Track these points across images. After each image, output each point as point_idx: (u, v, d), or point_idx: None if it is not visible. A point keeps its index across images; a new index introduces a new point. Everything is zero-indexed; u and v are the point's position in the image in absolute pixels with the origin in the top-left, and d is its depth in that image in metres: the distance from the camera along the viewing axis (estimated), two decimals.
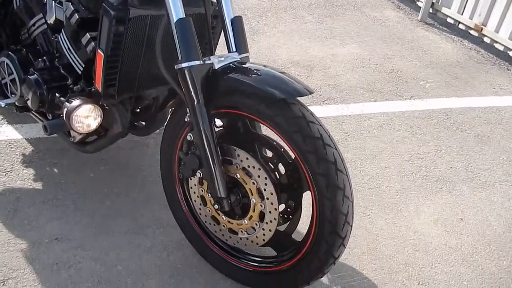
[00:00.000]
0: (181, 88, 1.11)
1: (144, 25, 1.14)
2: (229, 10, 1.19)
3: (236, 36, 1.19)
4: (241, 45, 1.19)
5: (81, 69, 1.29)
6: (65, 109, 1.21)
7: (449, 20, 3.77)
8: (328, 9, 3.92)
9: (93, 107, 1.21)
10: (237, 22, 1.19)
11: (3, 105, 1.47)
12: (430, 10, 3.89)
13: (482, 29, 3.40)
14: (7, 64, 1.45)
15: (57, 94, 1.34)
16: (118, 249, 1.42)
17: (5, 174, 1.66)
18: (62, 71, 1.37)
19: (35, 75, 1.35)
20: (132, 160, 1.82)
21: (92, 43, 1.22)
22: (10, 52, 1.45)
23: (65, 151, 1.82)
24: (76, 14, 1.22)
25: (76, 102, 1.20)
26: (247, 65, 1.12)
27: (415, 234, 1.63)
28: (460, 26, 3.67)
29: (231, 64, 1.11)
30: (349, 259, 1.48)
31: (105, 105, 1.26)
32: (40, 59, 1.41)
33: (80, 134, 1.36)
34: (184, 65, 1.06)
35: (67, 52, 1.30)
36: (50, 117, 1.48)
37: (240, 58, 1.18)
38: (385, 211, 1.72)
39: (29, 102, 1.39)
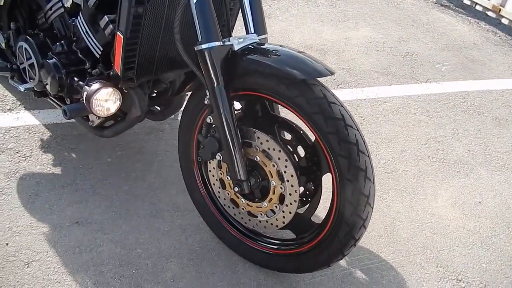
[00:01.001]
0: (200, 70, 1.10)
1: (162, 6, 1.13)
2: None
3: (254, 18, 1.17)
4: (259, 27, 1.18)
5: (99, 52, 1.29)
6: (85, 93, 1.21)
7: (465, 1, 3.68)
8: None
9: (113, 90, 1.21)
10: (255, 3, 1.17)
11: (22, 90, 1.48)
12: None
13: (500, 10, 3.32)
14: (25, 48, 1.45)
15: (75, 78, 1.34)
16: (137, 233, 1.44)
17: (25, 159, 1.68)
18: (80, 55, 1.36)
19: (54, 59, 1.35)
20: (148, 145, 1.83)
21: (111, 26, 1.21)
22: (28, 37, 1.46)
23: (82, 137, 1.83)
24: None
25: (95, 85, 1.20)
26: (266, 46, 1.10)
27: (432, 217, 1.62)
28: (477, 7, 3.59)
29: (250, 45, 1.10)
30: (367, 242, 1.48)
31: (123, 88, 1.26)
32: (58, 43, 1.40)
33: (99, 118, 1.37)
34: (204, 46, 1.05)
35: (85, 36, 1.29)
36: (68, 102, 1.48)
37: (259, 39, 1.16)
38: (402, 194, 1.71)
39: (47, 87, 1.40)
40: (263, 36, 1.18)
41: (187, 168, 1.38)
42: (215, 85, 1.07)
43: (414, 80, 2.54)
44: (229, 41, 1.09)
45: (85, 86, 1.23)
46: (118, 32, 1.13)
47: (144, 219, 1.49)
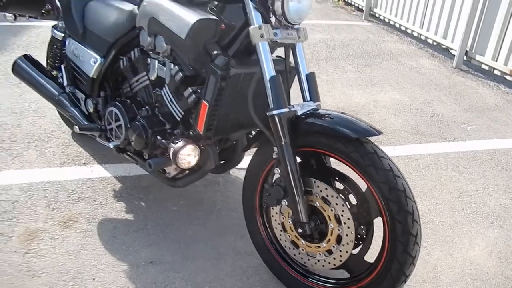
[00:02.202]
0: (269, 130, 1.35)
1: (238, 80, 1.41)
2: (304, 67, 1.45)
3: (310, 88, 1.44)
4: (314, 95, 1.44)
5: (180, 116, 1.57)
6: (171, 149, 1.47)
7: (483, 66, 3.96)
8: (365, 59, 4.22)
9: (194, 147, 1.47)
10: (311, 76, 1.44)
11: (111, 146, 1.77)
12: (464, 58, 4.11)
13: None
14: (115, 113, 1.76)
15: (158, 137, 1.62)
16: (204, 272, 1.62)
17: (101, 207, 1.93)
18: (162, 118, 1.65)
19: (140, 121, 1.64)
20: (206, 196, 2.06)
21: (193, 96, 1.49)
22: (117, 103, 1.77)
23: (148, 188, 2.08)
24: (180, 73, 1.51)
25: (181, 143, 1.46)
26: (322, 111, 1.35)
27: (471, 264, 1.74)
28: (495, 72, 3.85)
29: (310, 111, 1.35)
30: (411, 285, 1.61)
31: (201, 145, 1.51)
32: (143, 108, 1.70)
33: (176, 170, 1.62)
34: (274, 112, 1.30)
35: (169, 103, 1.58)
36: (146, 157, 1.75)
37: (315, 106, 1.42)
38: (441, 243, 1.84)
39: (133, 144, 1.67)
40: (317, 103, 1.44)
41: (249, 213, 1.58)
42: (283, 143, 1.31)
43: (442, 139, 2.74)
44: (293, 107, 1.34)
45: (171, 144, 1.49)
46: (203, 101, 1.41)
47: (208, 261, 1.67)
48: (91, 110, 1.96)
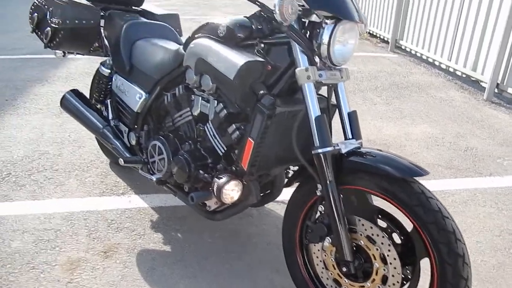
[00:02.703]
0: (313, 167, 1.37)
1: (283, 118, 1.45)
2: (346, 105, 1.48)
3: (352, 126, 1.46)
4: (356, 133, 1.46)
5: (223, 151, 1.61)
6: (215, 184, 1.50)
7: None
8: (394, 91, 4.23)
9: (237, 182, 1.50)
10: (353, 115, 1.47)
11: (154, 179, 1.82)
12: (495, 90, 4.07)
13: None
14: (158, 146, 1.82)
15: (201, 171, 1.66)
16: None
17: (140, 237, 1.97)
18: (204, 152, 1.69)
19: (183, 155, 1.69)
20: (241, 228, 2.07)
21: (237, 132, 1.54)
22: (160, 137, 1.83)
23: (184, 219, 2.12)
24: (224, 110, 1.56)
25: (225, 178, 1.49)
26: (367, 149, 1.37)
27: None
28: None
29: (355, 149, 1.37)
30: None
31: (244, 180, 1.54)
32: (186, 143, 1.76)
33: (217, 204, 1.65)
34: (320, 150, 1.33)
35: (212, 138, 1.63)
36: (186, 189, 1.79)
37: (358, 144, 1.44)
38: (485, 284, 1.78)
39: (175, 177, 1.72)
40: (360, 141, 1.46)
41: (289, 248, 1.58)
42: (328, 181, 1.33)
43: (478, 173, 2.69)
44: (338, 145, 1.37)
45: (215, 178, 1.53)
46: (249, 138, 1.45)
47: None
48: (133, 142, 2.03)
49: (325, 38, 1.31)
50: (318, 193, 1.39)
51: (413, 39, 5.54)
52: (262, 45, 1.46)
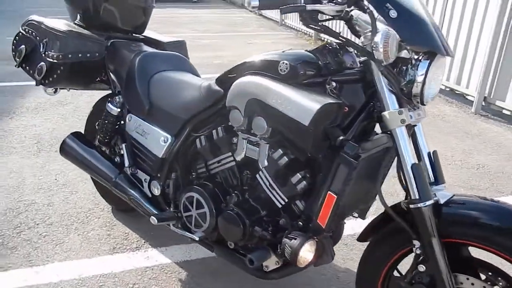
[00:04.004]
0: (406, 222, 1.20)
1: (364, 165, 1.27)
2: (425, 146, 1.32)
3: (434, 168, 1.30)
4: (440, 176, 1.30)
5: (282, 203, 1.39)
6: (289, 246, 1.28)
7: (505, 111, 4.00)
8: None
9: (313, 241, 1.29)
10: (435, 156, 1.31)
11: (197, 239, 1.55)
12: (483, 103, 4.15)
13: None
14: (196, 199, 1.56)
15: (257, 228, 1.43)
16: None
17: None
18: (256, 204, 1.46)
19: (233, 209, 1.45)
20: (293, 279, 1.84)
21: (304, 182, 1.33)
22: (198, 187, 1.58)
23: (216, 274, 1.86)
24: (285, 157, 1.35)
25: (300, 238, 1.27)
26: (464, 197, 1.22)
27: None
28: None
29: (453, 198, 1.21)
30: None
31: (316, 237, 1.33)
32: (233, 194, 1.52)
33: (279, 264, 1.42)
34: (421, 204, 1.15)
35: (267, 188, 1.41)
36: (231, 246, 1.55)
37: (442, 187, 1.28)
38: None
39: (226, 235, 1.48)
40: (443, 185, 1.30)
41: None
42: (433, 239, 1.15)
43: (499, 192, 2.65)
44: (435, 196, 1.20)
45: (286, 239, 1.30)
46: (330, 192, 1.24)
47: None
48: (157, 192, 1.75)
49: (420, 75, 1.15)
50: (418, 252, 1.21)
51: None
52: (334, 84, 1.27)
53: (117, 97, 1.88)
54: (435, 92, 1.22)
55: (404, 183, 1.20)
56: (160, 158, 1.70)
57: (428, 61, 1.14)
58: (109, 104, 1.89)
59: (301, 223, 1.35)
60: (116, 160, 1.92)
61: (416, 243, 1.20)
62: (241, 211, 1.44)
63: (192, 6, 11.89)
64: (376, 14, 1.15)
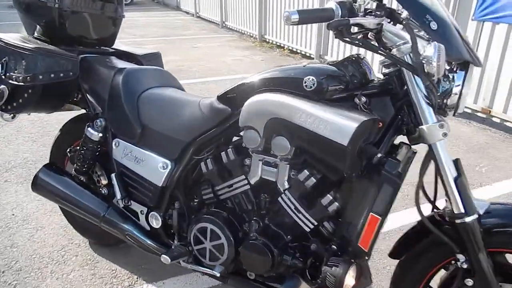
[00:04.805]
0: (446, 235, 1.18)
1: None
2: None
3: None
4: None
5: (311, 227, 1.31)
6: (331, 274, 1.19)
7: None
8: None
9: (354, 267, 1.22)
10: (458, 163, 1.30)
11: (217, 274, 1.41)
12: None
13: (490, 111, 3.90)
14: (211, 229, 1.42)
15: (286, 256, 1.33)
16: None
17: None
18: (279, 230, 1.36)
19: (256, 238, 1.34)
20: None
21: (336, 204, 1.26)
22: (209, 217, 1.44)
23: None
24: (313, 178, 1.27)
25: (342, 265, 1.19)
26: (499, 205, 1.22)
27: None
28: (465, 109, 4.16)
29: (490, 207, 1.21)
30: None
31: (355, 261, 1.27)
32: (252, 221, 1.40)
33: None
34: (468, 219, 1.13)
35: (293, 212, 1.31)
36: (252, 276, 1.43)
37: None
38: None
39: (251, 266, 1.36)
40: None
41: None
42: (480, 250, 1.14)
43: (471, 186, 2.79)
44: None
45: (326, 267, 1.22)
46: (373, 214, 1.18)
47: None
48: (157, 225, 1.58)
49: (456, 86, 1.13)
50: (464, 266, 1.18)
51: (339, 53, 5.75)
52: (364, 99, 1.21)
53: (98, 120, 1.66)
54: (465, 103, 1.21)
55: (447, 197, 1.18)
56: (160, 187, 1.52)
57: (464, 72, 1.13)
58: (89, 129, 1.66)
59: (335, 247, 1.27)
60: (103, 192, 1.70)
61: (461, 257, 1.18)
62: (266, 239, 1.33)
63: (125, 9, 11.31)
64: (410, 26, 1.10)
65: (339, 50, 5.73)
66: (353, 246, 1.23)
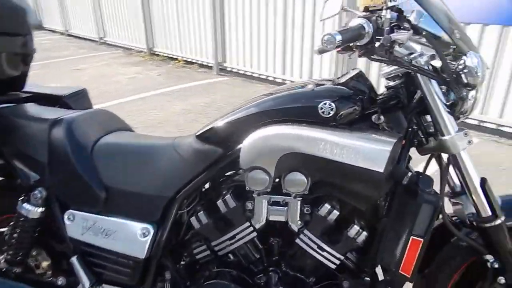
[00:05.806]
0: (470, 239, 1.17)
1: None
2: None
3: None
4: None
5: (337, 263, 1.18)
6: None
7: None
8: None
9: None
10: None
11: None
12: None
13: None
14: None
15: None
16: None
17: None
18: (300, 274, 1.22)
19: None
20: None
21: (364, 233, 1.15)
22: (219, 282, 1.20)
23: None
24: (335, 211, 1.14)
25: None
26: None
27: None
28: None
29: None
30: None
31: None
32: (270, 272, 1.21)
33: None
34: (499, 221, 1.12)
35: (316, 251, 1.16)
36: None
37: None
38: None
39: None
40: None
41: None
42: (510, 249, 1.14)
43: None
44: None
45: None
46: (414, 237, 1.09)
47: None
48: None
49: (472, 91, 1.11)
50: (496, 266, 1.18)
51: (238, 60, 5.69)
52: (382, 118, 1.12)
53: (36, 191, 1.25)
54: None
55: (472, 202, 1.15)
56: (142, 259, 1.22)
57: None
58: (24, 205, 1.25)
59: (368, 278, 1.17)
60: (59, 283, 1.30)
61: (489, 257, 1.18)
62: None
63: None
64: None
65: (238, 58, 5.68)
66: (391, 274, 1.13)
